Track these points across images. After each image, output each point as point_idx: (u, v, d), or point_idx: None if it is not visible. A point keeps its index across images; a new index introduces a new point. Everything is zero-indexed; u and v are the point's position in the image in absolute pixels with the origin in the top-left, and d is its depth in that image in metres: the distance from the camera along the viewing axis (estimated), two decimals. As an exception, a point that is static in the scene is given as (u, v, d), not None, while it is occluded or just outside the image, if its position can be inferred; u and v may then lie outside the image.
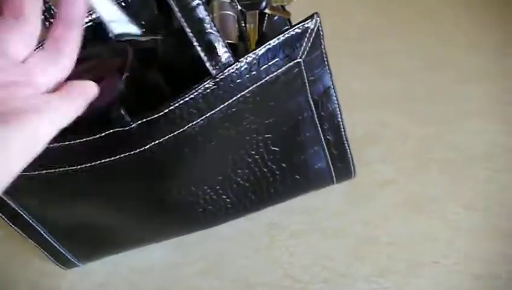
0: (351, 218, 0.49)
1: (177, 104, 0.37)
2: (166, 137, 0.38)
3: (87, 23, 0.49)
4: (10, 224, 0.46)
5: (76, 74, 0.45)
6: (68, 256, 0.50)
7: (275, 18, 0.47)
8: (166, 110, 0.37)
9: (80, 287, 0.51)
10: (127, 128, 0.36)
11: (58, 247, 0.49)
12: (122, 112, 0.35)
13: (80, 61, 0.46)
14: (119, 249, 0.51)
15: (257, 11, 0.44)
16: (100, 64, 0.46)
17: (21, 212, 0.45)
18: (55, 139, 0.36)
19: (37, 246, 0.49)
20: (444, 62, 0.58)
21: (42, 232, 0.47)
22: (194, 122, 0.38)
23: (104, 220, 0.46)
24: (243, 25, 0.44)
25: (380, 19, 0.63)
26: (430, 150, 0.52)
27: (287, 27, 0.45)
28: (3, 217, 0.45)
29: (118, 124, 0.36)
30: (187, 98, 0.37)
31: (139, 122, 0.36)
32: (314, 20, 0.38)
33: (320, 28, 0.39)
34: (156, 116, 0.36)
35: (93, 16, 0.50)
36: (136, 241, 0.50)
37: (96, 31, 0.50)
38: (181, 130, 0.38)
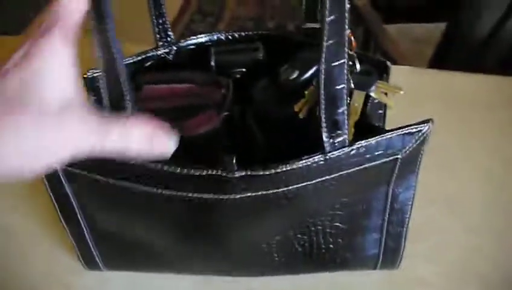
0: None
1: (284, 169, 0.37)
2: (259, 193, 0.39)
3: (189, 46, 0.51)
4: (58, 211, 0.45)
5: (176, 97, 0.46)
6: (97, 258, 0.49)
7: (375, 101, 0.48)
8: (273, 171, 0.37)
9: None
10: (230, 175, 0.36)
11: (92, 249, 0.48)
12: (233, 159, 0.36)
13: (179, 81, 0.47)
14: (150, 269, 0.50)
15: (365, 92, 0.45)
16: (200, 92, 0.46)
17: (76, 208, 0.45)
18: (152, 161, 0.37)
19: (73, 242, 0.48)
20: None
21: (85, 230, 0.47)
22: (289, 188, 0.39)
23: (153, 240, 0.46)
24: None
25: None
26: (476, 264, 0.52)
27: (400, 128, 0.44)
28: (54, 201, 0.44)
29: (224, 168, 0.36)
30: (294, 166, 0.37)
31: (243, 173, 0.37)
32: (428, 126, 0.40)
33: (429, 134, 0.40)
34: (261, 173, 0.37)
35: (197, 41, 0.51)
36: (173, 268, 0.49)
37: (196, 56, 0.51)
38: (274, 191, 0.39)
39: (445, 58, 0.94)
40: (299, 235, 0.45)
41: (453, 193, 0.59)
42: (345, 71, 0.34)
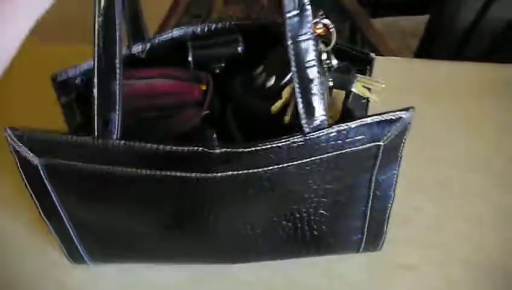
0: (368, 292, 0.49)
1: (263, 147, 0.37)
2: (240, 172, 0.39)
3: (164, 41, 0.50)
4: (39, 208, 0.45)
5: (156, 95, 0.46)
6: (82, 252, 0.49)
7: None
8: (252, 149, 0.37)
9: (89, 286, 0.50)
10: (211, 150, 0.36)
11: (76, 243, 0.48)
12: (214, 134, 0.36)
13: (159, 76, 0.47)
14: (136, 260, 0.50)
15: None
16: (180, 90, 0.46)
17: (56, 204, 0.44)
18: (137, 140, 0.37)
19: (56, 235, 0.48)
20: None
21: (67, 225, 0.46)
22: (270, 168, 0.39)
23: (136, 228, 0.46)
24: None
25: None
26: (459, 248, 0.53)
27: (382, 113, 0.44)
28: (35, 199, 0.44)
29: (206, 144, 0.36)
30: (274, 145, 0.37)
31: (224, 149, 0.37)
32: (408, 113, 0.40)
33: (410, 122, 0.40)
34: (240, 150, 0.37)
35: (173, 35, 0.50)
36: (159, 257, 0.49)
37: (172, 51, 0.50)
38: (255, 170, 0.39)
39: (429, 49, 0.94)
40: (284, 222, 0.45)
41: (436, 179, 0.60)
42: (313, 46, 0.34)
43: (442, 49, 0.91)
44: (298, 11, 0.34)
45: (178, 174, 0.38)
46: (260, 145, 0.37)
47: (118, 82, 0.36)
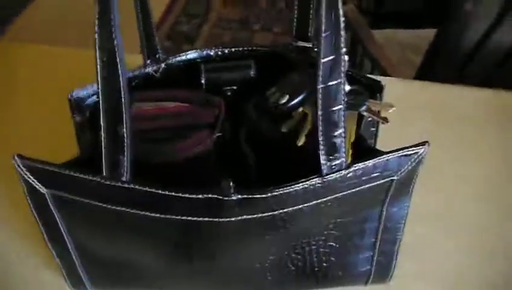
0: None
1: (281, 192, 0.36)
2: (255, 216, 0.38)
3: (178, 63, 0.49)
4: (44, 234, 0.44)
5: (168, 116, 0.45)
6: (84, 279, 0.48)
7: (369, 119, 0.48)
8: (269, 195, 0.36)
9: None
10: (227, 198, 0.36)
11: (79, 270, 0.47)
12: (231, 183, 0.35)
13: (170, 100, 0.46)
14: (139, 289, 0.49)
15: (357, 112, 0.45)
16: (192, 112, 0.45)
17: (63, 232, 0.43)
18: (150, 184, 0.36)
19: (60, 264, 0.46)
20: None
21: (72, 253, 0.45)
22: (285, 210, 0.38)
23: (142, 261, 0.45)
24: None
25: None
26: (467, 282, 0.52)
27: (399, 148, 0.43)
28: (40, 226, 0.43)
29: (221, 192, 0.35)
30: (291, 189, 0.37)
31: (239, 196, 0.36)
32: (424, 148, 0.40)
33: (424, 156, 0.40)
34: (257, 196, 0.36)
35: (187, 57, 0.50)
36: (160, 288, 0.48)
37: (185, 73, 0.50)
38: (271, 213, 0.38)
39: (432, 68, 0.94)
40: (293, 255, 0.44)
41: (443, 210, 0.59)
42: (342, 91, 0.34)
43: (445, 68, 0.91)
44: (333, 57, 0.33)
45: (189, 218, 0.38)
46: (277, 190, 0.36)
47: (125, 125, 0.35)
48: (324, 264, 0.46)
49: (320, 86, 0.34)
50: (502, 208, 0.59)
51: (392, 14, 1.42)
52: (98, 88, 0.34)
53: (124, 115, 0.35)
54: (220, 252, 0.42)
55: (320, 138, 0.36)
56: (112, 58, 0.33)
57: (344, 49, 0.33)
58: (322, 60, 0.33)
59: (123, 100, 0.34)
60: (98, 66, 0.33)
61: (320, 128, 0.35)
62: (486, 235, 0.57)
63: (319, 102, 0.34)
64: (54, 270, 0.51)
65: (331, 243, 0.45)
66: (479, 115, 0.72)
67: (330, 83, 0.34)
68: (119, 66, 0.33)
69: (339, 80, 0.34)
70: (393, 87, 0.45)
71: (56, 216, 0.41)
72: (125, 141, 0.35)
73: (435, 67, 0.94)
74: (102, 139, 0.35)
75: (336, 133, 0.36)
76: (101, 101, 0.34)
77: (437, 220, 0.58)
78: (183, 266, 0.44)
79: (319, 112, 0.35)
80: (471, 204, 0.60)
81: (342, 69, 0.34)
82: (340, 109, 0.35)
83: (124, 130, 0.35)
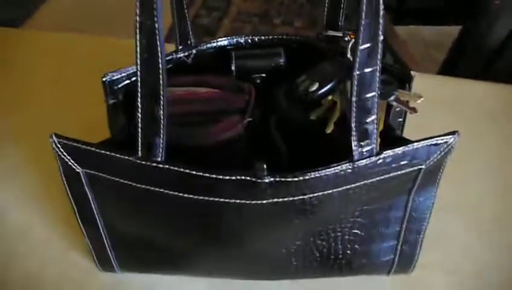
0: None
1: (312, 176, 0.37)
2: (285, 199, 0.38)
3: (209, 49, 0.50)
4: (76, 211, 0.45)
5: (199, 101, 0.46)
6: (113, 262, 0.49)
7: (397, 109, 0.48)
8: (301, 178, 0.37)
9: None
10: (260, 181, 0.36)
11: (108, 251, 0.48)
12: (264, 165, 0.35)
13: (201, 85, 0.47)
14: (165, 271, 0.50)
15: (386, 102, 0.45)
16: (223, 98, 0.46)
17: (94, 212, 0.44)
18: (185, 165, 0.36)
19: (88, 242, 0.48)
20: None
21: (102, 232, 0.46)
22: (315, 195, 0.39)
23: (171, 243, 0.45)
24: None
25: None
26: (491, 276, 0.52)
27: (428, 138, 0.43)
28: (73, 203, 0.44)
29: (254, 174, 0.36)
30: (323, 173, 0.37)
31: (272, 179, 0.36)
32: (453, 137, 0.40)
33: (454, 146, 0.40)
34: (289, 179, 0.37)
35: (217, 44, 0.50)
36: (189, 270, 0.49)
37: (216, 59, 0.50)
38: (301, 197, 0.39)
39: (456, 64, 0.94)
40: (318, 241, 0.45)
41: (463, 202, 0.59)
42: (377, 78, 0.34)
43: (469, 65, 0.90)
44: (371, 44, 0.33)
45: (222, 200, 0.38)
46: (309, 174, 0.37)
47: (162, 108, 0.36)
48: (348, 252, 0.47)
49: (356, 72, 0.34)
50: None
51: (414, 11, 1.41)
52: (137, 69, 0.35)
53: (162, 97, 0.35)
54: (248, 236, 0.42)
55: (353, 124, 0.36)
56: (153, 40, 0.33)
57: (381, 37, 0.33)
58: (360, 47, 0.33)
59: (161, 82, 0.35)
60: (138, 48, 0.34)
61: (353, 114, 0.36)
62: (507, 227, 0.57)
63: (354, 88, 0.35)
64: (83, 252, 0.52)
65: (357, 231, 0.45)
66: (502, 111, 0.71)
67: (366, 70, 0.34)
68: (159, 48, 0.33)
69: (375, 67, 0.34)
70: (416, 81, 0.45)
71: (89, 195, 0.42)
72: (162, 122, 0.36)
73: (458, 64, 0.93)
74: (139, 120, 0.36)
75: (369, 120, 0.36)
76: (139, 83, 0.35)
77: (457, 211, 0.58)
78: (211, 248, 0.45)
79: (353, 98, 0.35)
80: (492, 198, 0.60)
81: (379, 56, 0.34)
82: (374, 96, 0.35)
83: (161, 112, 0.36)
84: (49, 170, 0.58)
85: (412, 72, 0.45)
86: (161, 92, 0.35)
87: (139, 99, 0.35)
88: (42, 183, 0.60)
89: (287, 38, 0.51)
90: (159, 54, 0.34)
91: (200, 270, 0.48)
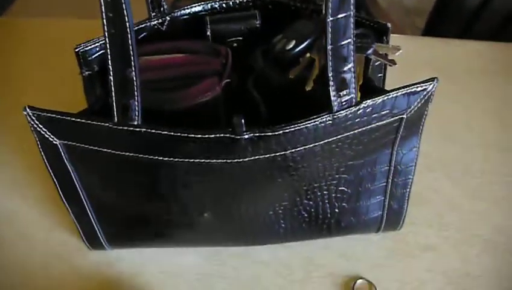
0: (387, 274, 0.50)
1: (292, 129, 0.36)
2: (267, 156, 0.38)
3: (183, 16, 0.49)
4: (58, 187, 0.44)
5: (176, 66, 0.45)
6: (101, 239, 0.48)
7: (376, 64, 0.48)
8: (281, 132, 0.36)
9: (103, 268, 0.50)
10: (239, 137, 0.36)
11: (96, 228, 0.48)
12: (242, 120, 0.35)
13: (177, 51, 0.46)
14: (155, 243, 0.49)
15: (364, 56, 0.45)
16: (199, 61, 0.45)
17: (76, 184, 0.44)
18: (163, 127, 0.36)
19: (74, 219, 0.47)
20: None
21: (86, 207, 0.46)
22: (296, 150, 0.38)
23: (157, 212, 0.45)
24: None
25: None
26: (478, 228, 0.53)
27: (405, 86, 0.44)
28: (54, 179, 0.43)
29: (233, 131, 0.35)
30: (302, 126, 0.37)
31: (252, 135, 0.36)
32: (432, 84, 0.39)
33: (433, 92, 0.40)
34: (269, 134, 0.36)
35: (191, 10, 0.50)
36: (179, 240, 0.49)
37: (191, 25, 0.50)
38: (282, 153, 0.38)
39: (437, 27, 0.93)
40: (305, 201, 0.45)
41: (454, 158, 0.60)
42: (351, 25, 0.34)
43: (451, 27, 0.90)
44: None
45: (203, 160, 0.38)
46: (288, 127, 0.36)
47: (134, 68, 0.35)
48: (336, 210, 0.47)
49: (329, 18, 0.33)
50: (508, 156, 0.60)
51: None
52: (104, 30, 0.34)
53: (132, 57, 0.35)
54: (233, 198, 0.42)
55: (330, 74, 0.35)
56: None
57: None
58: None
59: (130, 42, 0.34)
60: (102, 7, 0.33)
61: (329, 63, 0.35)
62: (494, 181, 0.57)
63: (328, 36, 0.34)
64: (71, 232, 0.52)
65: (343, 188, 0.45)
66: (485, 66, 0.71)
67: (339, 16, 0.34)
68: (124, 5, 0.33)
69: (348, 13, 0.34)
70: (397, 43, 0.45)
71: (69, 168, 0.42)
72: (135, 83, 0.35)
73: (439, 28, 0.93)
74: (111, 83, 0.35)
75: (346, 68, 0.36)
76: (107, 44, 0.34)
77: (446, 168, 0.59)
78: (196, 214, 0.44)
79: (328, 47, 0.34)
80: (478, 151, 0.60)
81: (351, 0, 0.33)
82: (350, 43, 0.35)
83: (133, 73, 0.35)
84: (31, 154, 0.57)
85: (388, 24, 0.45)
86: (131, 52, 0.34)
87: (109, 62, 0.35)
88: (25, 168, 0.59)
89: (262, 1, 0.50)
90: (125, 12, 0.33)
91: (188, 240, 0.48)
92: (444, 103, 0.65)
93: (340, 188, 0.45)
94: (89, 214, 0.46)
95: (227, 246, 0.50)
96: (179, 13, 0.49)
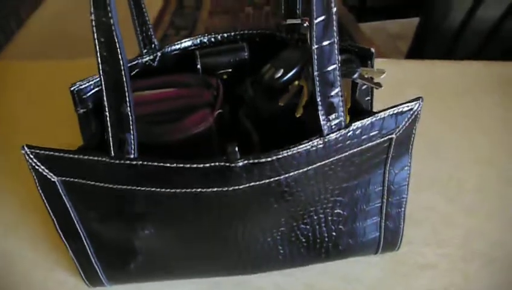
0: (387, 294, 0.50)
1: (285, 154, 0.37)
2: (262, 182, 0.39)
3: (174, 51, 0.51)
4: (56, 224, 0.44)
5: (167, 100, 0.46)
6: (100, 275, 0.48)
7: (363, 87, 0.49)
8: (274, 157, 0.37)
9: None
10: (233, 165, 0.37)
11: (94, 264, 0.47)
12: (236, 148, 0.36)
13: (169, 86, 0.47)
14: (155, 277, 0.49)
15: (350, 80, 0.46)
16: (191, 94, 0.46)
17: (75, 221, 0.44)
18: (158, 159, 0.37)
19: (73, 256, 0.47)
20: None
21: (85, 244, 0.46)
22: (290, 174, 0.39)
23: (156, 245, 0.45)
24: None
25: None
26: (476, 244, 0.53)
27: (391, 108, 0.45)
28: (53, 217, 0.44)
29: (228, 159, 0.36)
30: (295, 151, 0.38)
31: (246, 162, 0.37)
32: (418, 103, 0.41)
33: (420, 111, 0.41)
34: (263, 160, 0.37)
35: (181, 46, 0.51)
36: (178, 272, 0.49)
37: (181, 60, 0.51)
38: (277, 178, 0.39)
39: (420, 51, 0.96)
40: (302, 226, 0.45)
41: (445, 177, 0.61)
42: (336, 51, 0.35)
43: (434, 49, 0.93)
44: (325, 16, 0.34)
45: (199, 190, 0.38)
46: (281, 152, 0.37)
47: (129, 103, 0.36)
48: (334, 233, 0.47)
49: (314, 46, 0.35)
50: (501, 172, 0.61)
51: (376, 9, 1.45)
52: (99, 68, 0.35)
53: (127, 93, 0.36)
54: (231, 227, 0.42)
55: (318, 99, 0.37)
56: (110, 37, 0.34)
57: (335, 9, 0.34)
58: (315, 21, 0.34)
59: (124, 78, 0.35)
60: (97, 47, 0.34)
61: (317, 88, 0.36)
62: (487, 196, 0.58)
63: (315, 62, 0.35)
64: (69, 271, 0.52)
65: (339, 211, 0.45)
66: (468, 85, 0.73)
67: (324, 43, 0.35)
68: (117, 44, 0.34)
69: (332, 40, 0.35)
70: (383, 67, 0.47)
71: (68, 204, 0.42)
72: (130, 118, 0.36)
73: (422, 52, 0.96)
74: (107, 118, 0.36)
75: (333, 93, 0.37)
76: (103, 82, 0.35)
77: (439, 187, 0.59)
78: (195, 245, 0.45)
79: (315, 73, 0.36)
80: (469, 167, 0.61)
81: (335, 28, 0.35)
82: (335, 68, 0.36)
83: (128, 108, 0.36)
84: (26, 193, 0.57)
85: (372, 49, 0.46)
86: (125, 88, 0.35)
87: (104, 98, 0.36)
88: (20, 208, 0.59)
89: (249, 33, 0.52)
90: (118, 50, 0.34)
91: (187, 272, 0.48)
92: (431, 122, 0.67)
93: (336, 211, 0.45)
94: (88, 250, 0.46)
95: (227, 276, 0.50)
96: (169, 49, 0.51)
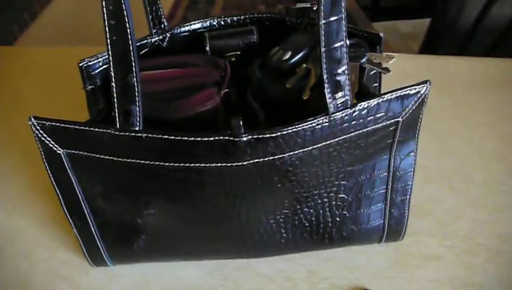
0: (391, 285, 0.49)
1: (290, 131, 0.37)
2: (266, 159, 0.39)
3: (183, 32, 0.51)
4: (61, 199, 0.45)
5: (175, 78, 0.46)
6: (103, 253, 0.48)
7: (371, 73, 0.49)
8: (278, 134, 0.37)
9: (104, 286, 0.49)
10: (237, 139, 0.36)
11: (98, 242, 0.48)
12: (240, 122, 0.36)
13: (178, 66, 0.47)
14: (158, 257, 0.49)
15: (358, 64, 0.46)
16: (199, 73, 0.46)
17: (79, 196, 0.44)
18: (160, 131, 0.37)
19: (77, 233, 0.47)
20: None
21: (89, 220, 0.46)
22: (295, 153, 0.39)
23: (159, 223, 0.45)
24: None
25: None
26: (481, 237, 0.53)
27: (397, 88, 0.46)
28: (58, 192, 0.44)
29: (232, 133, 0.36)
30: (300, 128, 0.37)
31: (250, 137, 0.37)
32: (425, 86, 0.40)
33: (427, 95, 0.41)
34: (267, 135, 0.37)
35: (191, 27, 0.51)
36: (181, 253, 0.48)
37: (190, 42, 0.51)
38: (281, 156, 0.39)
39: (433, 48, 0.95)
40: (305, 209, 0.45)
41: (453, 170, 0.60)
42: (344, 27, 0.35)
43: (446, 47, 0.92)
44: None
45: (202, 165, 0.38)
46: (286, 129, 0.37)
47: (135, 74, 0.36)
48: (337, 219, 0.47)
49: (322, 21, 0.35)
50: (508, 166, 0.60)
51: (389, 9, 1.45)
52: (106, 37, 0.35)
53: (134, 64, 0.36)
54: (233, 206, 0.42)
55: (325, 76, 0.37)
56: (119, 5, 0.34)
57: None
58: None
59: (131, 48, 0.35)
60: (105, 15, 0.35)
61: (324, 65, 0.36)
62: (493, 190, 0.57)
63: (322, 38, 0.35)
64: (73, 250, 0.52)
65: (343, 195, 0.45)
66: (480, 81, 0.73)
67: (332, 19, 0.35)
68: (125, 13, 0.34)
69: (340, 16, 0.35)
70: (396, 62, 0.46)
71: (72, 178, 0.42)
72: (136, 89, 0.36)
73: (435, 49, 0.95)
74: (113, 89, 0.36)
75: (340, 71, 0.37)
76: (109, 50, 0.35)
77: (446, 179, 0.59)
78: (198, 225, 0.45)
79: (322, 49, 0.36)
80: (477, 162, 0.61)
81: (343, 4, 0.35)
82: (343, 45, 0.36)
83: (135, 78, 0.36)
84: (35, 172, 0.58)
85: (381, 34, 0.46)
86: (132, 58, 0.35)
87: (111, 68, 0.36)
88: (26, 187, 0.60)
89: (258, 17, 0.52)
90: (126, 19, 0.34)
91: (190, 252, 0.48)
92: (441, 117, 0.66)
93: (340, 196, 0.45)
94: (92, 228, 0.46)
95: (229, 259, 0.50)
96: (178, 30, 0.51)
